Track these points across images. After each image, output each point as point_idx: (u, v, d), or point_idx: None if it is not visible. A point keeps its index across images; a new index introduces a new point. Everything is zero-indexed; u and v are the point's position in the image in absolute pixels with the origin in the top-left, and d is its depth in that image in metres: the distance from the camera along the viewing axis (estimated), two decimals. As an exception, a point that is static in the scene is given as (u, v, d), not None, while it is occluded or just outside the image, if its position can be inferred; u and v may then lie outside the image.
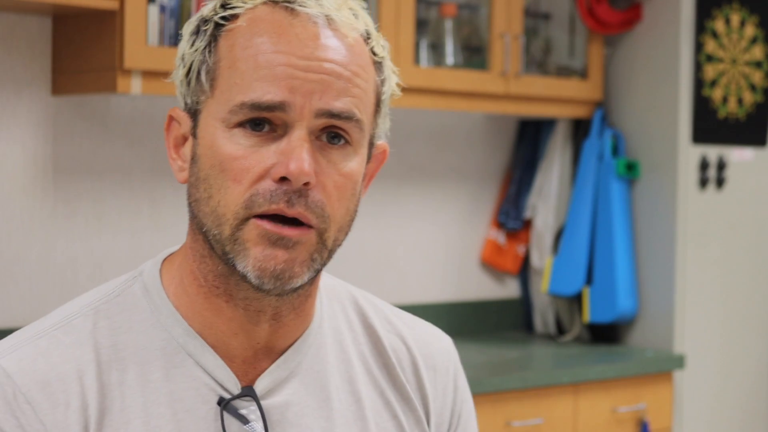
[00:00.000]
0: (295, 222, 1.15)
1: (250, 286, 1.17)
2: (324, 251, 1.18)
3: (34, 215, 3.02)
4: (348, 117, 1.16)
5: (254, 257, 1.15)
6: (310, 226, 1.15)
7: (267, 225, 1.14)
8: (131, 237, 3.17)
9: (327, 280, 1.33)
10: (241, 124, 1.16)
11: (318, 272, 1.19)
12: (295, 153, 1.13)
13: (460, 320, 3.87)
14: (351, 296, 1.34)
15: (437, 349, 1.36)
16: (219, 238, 1.16)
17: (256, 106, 1.14)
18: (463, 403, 1.37)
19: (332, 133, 1.17)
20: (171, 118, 1.23)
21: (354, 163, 1.19)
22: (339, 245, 1.20)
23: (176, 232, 3.21)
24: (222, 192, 1.15)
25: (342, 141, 1.18)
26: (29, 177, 3.01)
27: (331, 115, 1.16)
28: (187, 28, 1.21)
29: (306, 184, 1.14)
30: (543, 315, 4.00)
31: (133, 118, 3.16)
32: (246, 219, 1.15)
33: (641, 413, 3.57)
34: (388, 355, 1.32)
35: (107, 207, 3.13)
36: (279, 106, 1.14)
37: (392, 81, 1.25)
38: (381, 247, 3.71)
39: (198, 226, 1.19)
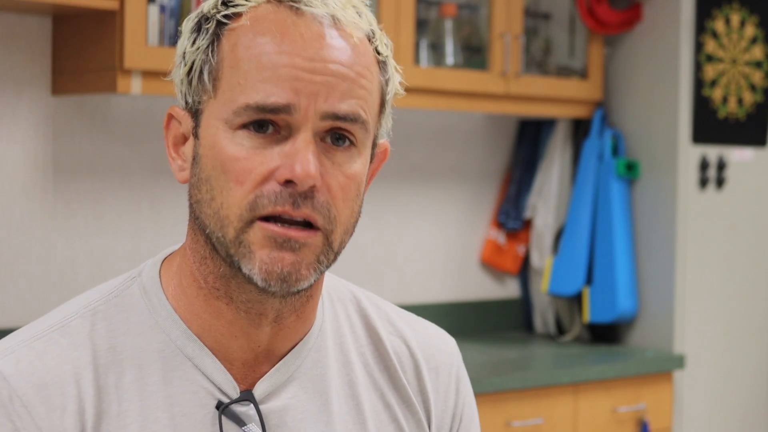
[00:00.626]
0: (301, 224, 1.13)
1: (254, 288, 1.15)
2: (330, 253, 1.16)
3: (34, 215, 3.02)
4: (353, 119, 1.15)
5: (260, 260, 1.13)
6: (317, 228, 1.14)
7: (273, 227, 1.12)
8: (131, 237, 3.17)
9: (329, 280, 1.32)
10: (244, 126, 1.14)
11: (322, 274, 1.18)
12: (301, 156, 1.12)
13: (460, 320, 3.87)
14: (353, 297, 1.33)
15: (440, 351, 1.35)
16: (223, 240, 1.14)
17: (260, 108, 1.13)
18: (465, 406, 1.35)
19: (337, 134, 1.15)
20: (170, 117, 1.21)
21: (358, 165, 1.17)
22: (344, 247, 1.19)
23: (176, 232, 3.21)
24: (225, 194, 1.13)
25: (347, 142, 1.16)
26: (29, 177, 3.01)
27: (337, 117, 1.14)
28: (187, 25, 1.19)
29: (312, 186, 1.12)
30: (543, 315, 4.00)
31: (133, 118, 3.16)
32: (251, 221, 1.13)
33: (641, 413, 3.57)
34: (390, 357, 1.30)
35: (107, 207, 3.13)
36: (284, 109, 1.12)
37: (396, 80, 1.23)
38: (381, 247, 3.71)
39: (200, 228, 1.18)
